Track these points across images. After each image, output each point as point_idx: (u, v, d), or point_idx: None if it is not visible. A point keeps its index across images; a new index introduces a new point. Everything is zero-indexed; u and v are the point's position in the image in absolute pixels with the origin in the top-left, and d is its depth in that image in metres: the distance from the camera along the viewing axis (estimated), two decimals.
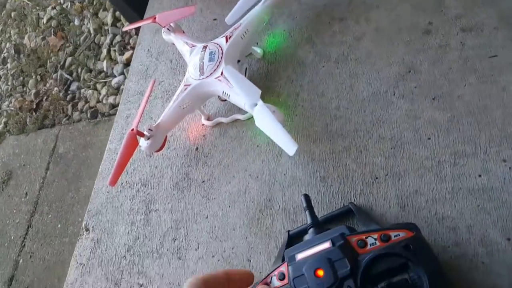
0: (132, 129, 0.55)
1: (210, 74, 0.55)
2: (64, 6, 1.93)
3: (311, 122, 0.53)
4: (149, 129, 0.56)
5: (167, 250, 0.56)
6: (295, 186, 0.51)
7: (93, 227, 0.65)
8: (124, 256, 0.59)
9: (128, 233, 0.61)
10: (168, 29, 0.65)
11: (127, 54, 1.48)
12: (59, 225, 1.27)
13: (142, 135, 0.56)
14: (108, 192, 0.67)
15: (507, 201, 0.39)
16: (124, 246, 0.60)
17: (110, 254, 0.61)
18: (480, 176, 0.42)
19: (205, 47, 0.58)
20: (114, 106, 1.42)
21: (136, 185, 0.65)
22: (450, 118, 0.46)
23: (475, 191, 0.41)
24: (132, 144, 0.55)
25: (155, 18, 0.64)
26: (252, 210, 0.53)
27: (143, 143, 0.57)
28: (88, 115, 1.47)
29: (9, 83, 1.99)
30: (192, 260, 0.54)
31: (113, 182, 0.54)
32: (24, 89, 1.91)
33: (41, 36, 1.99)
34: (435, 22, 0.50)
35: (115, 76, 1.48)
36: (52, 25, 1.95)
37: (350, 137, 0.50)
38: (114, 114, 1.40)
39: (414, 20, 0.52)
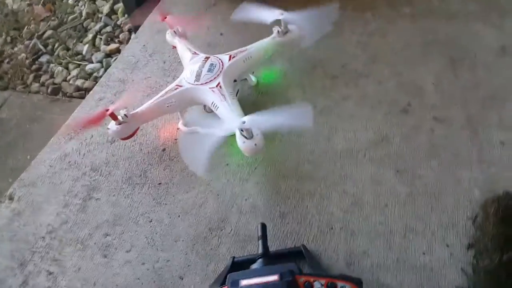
0: (107, 109, 0.51)
1: (206, 82, 0.54)
2: None
3: (285, 158, 0.53)
4: (124, 114, 0.53)
5: (95, 243, 0.50)
6: (253, 214, 0.49)
7: (19, 197, 0.57)
8: (43, 237, 0.52)
9: (57, 214, 0.54)
10: (174, 31, 0.64)
11: (112, 46, 1.43)
12: None
13: (115, 118, 0.52)
14: (51, 166, 0.60)
15: (441, 286, 0.41)
16: (47, 226, 0.53)
17: (27, 231, 0.53)
18: (424, 254, 0.43)
19: (207, 58, 0.57)
20: (80, 89, 1.33)
21: (85, 167, 0.59)
22: (408, 193, 0.48)
23: (417, 267, 0.42)
24: (98, 120, 0.52)
25: (165, 17, 0.63)
26: (202, 227, 0.49)
27: (112, 126, 0.53)
28: (49, 90, 1.36)
29: None
30: (118, 262, 0.48)
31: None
32: None
33: (28, 2, 1.87)
34: (414, 104, 0.54)
35: (92, 62, 1.40)
36: None
37: (317, 182, 0.50)
38: (77, 97, 1.31)
39: (396, 97, 0.56)
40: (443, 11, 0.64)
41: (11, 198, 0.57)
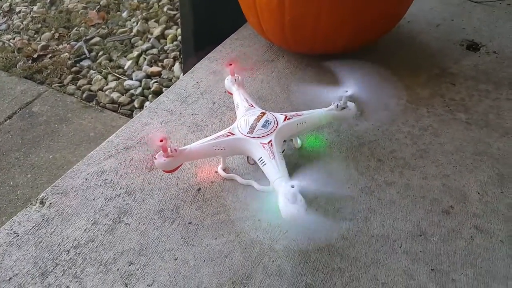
0: (162, 140, 0.56)
1: (258, 137, 0.59)
2: None
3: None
4: (174, 149, 0.57)
5: (117, 270, 0.52)
6: (278, 277, 0.51)
7: (50, 203, 0.61)
8: (68, 251, 0.54)
9: (85, 230, 0.57)
10: (235, 79, 0.70)
11: (154, 69, 1.52)
12: None
13: (165, 150, 0.56)
14: (86, 179, 0.64)
15: None
16: (73, 240, 0.56)
17: (53, 241, 0.56)
18: None
19: (263, 113, 0.62)
20: (114, 102, 1.40)
21: (120, 189, 0.63)
22: None
23: None
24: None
25: (231, 64, 0.70)
26: (226, 278, 0.51)
27: (159, 157, 0.57)
28: (84, 95, 1.44)
29: (25, 23, 1.94)
30: None
31: None
32: (36, 36, 1.86)
33: (84, 5, 2.02)
34: (456, 208, 0.58)
35: (131, 79, 1.49)
36: (101, 3, 2.00)
37: (348, 261, 0.52)
38: (110, 109, 1.38)
39: (439, 197, 0.59)
40: (499, 126, 0.69)
41: (42, 203, 0.61)
